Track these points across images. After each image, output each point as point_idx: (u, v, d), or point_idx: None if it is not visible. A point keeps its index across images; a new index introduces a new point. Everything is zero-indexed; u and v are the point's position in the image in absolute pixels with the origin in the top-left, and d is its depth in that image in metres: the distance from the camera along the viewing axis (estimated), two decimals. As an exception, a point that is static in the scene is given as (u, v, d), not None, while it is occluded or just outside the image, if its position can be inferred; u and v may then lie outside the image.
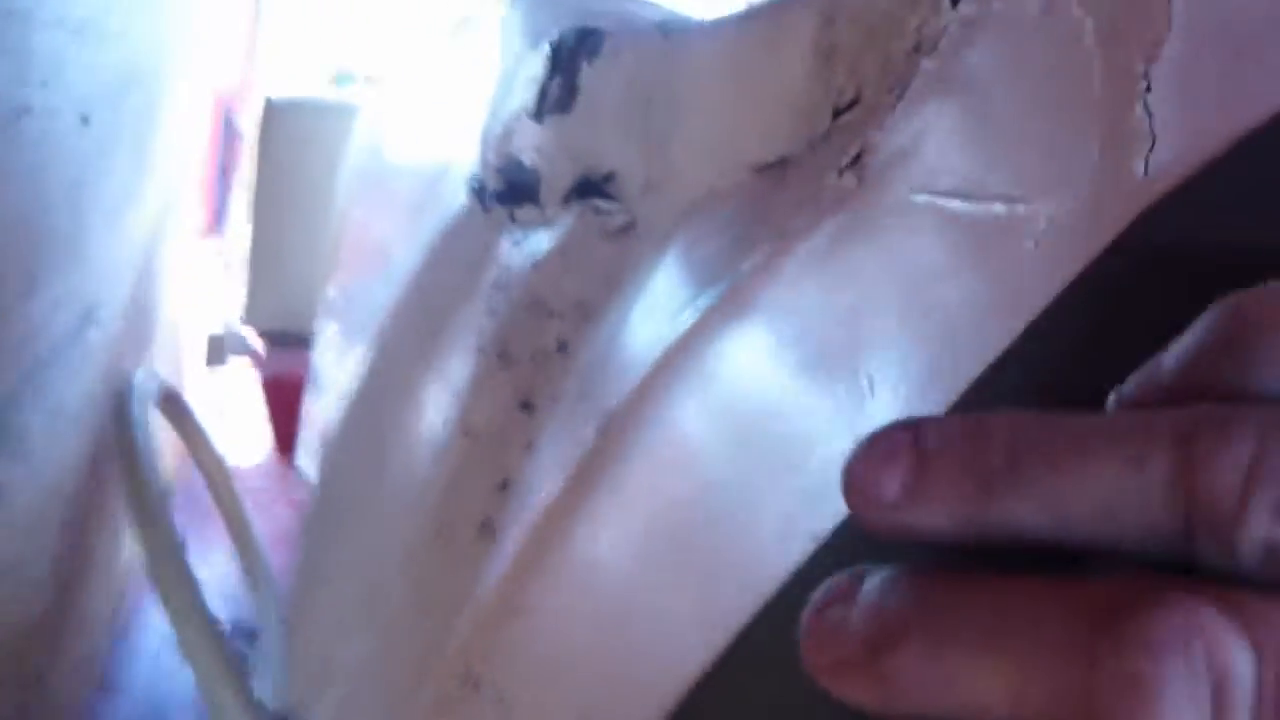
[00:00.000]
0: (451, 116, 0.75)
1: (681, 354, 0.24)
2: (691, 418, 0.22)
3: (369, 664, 0.47)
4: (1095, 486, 0.13)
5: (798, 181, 0.28)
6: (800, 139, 0.30)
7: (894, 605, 0.13)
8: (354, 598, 0.52)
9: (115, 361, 0.94)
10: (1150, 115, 0.16)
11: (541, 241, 0.44)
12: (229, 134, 1.70)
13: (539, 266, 0.43)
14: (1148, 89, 0.17)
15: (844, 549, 0.17)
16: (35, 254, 0.55)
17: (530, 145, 0.48)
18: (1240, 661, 0.11)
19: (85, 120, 0.54)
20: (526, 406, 0.39)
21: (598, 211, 0.41)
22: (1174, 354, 0.14)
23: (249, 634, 1.06)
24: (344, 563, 0.57)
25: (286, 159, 1.46)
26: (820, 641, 0.13)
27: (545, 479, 0.31)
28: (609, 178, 0.42)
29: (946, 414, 0.17)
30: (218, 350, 1.52)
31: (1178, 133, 0.16)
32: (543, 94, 0.46)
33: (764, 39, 0.32)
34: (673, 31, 0.38)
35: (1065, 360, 0.16)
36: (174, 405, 1.12)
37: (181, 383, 1.44)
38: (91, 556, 1.00)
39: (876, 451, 0.14)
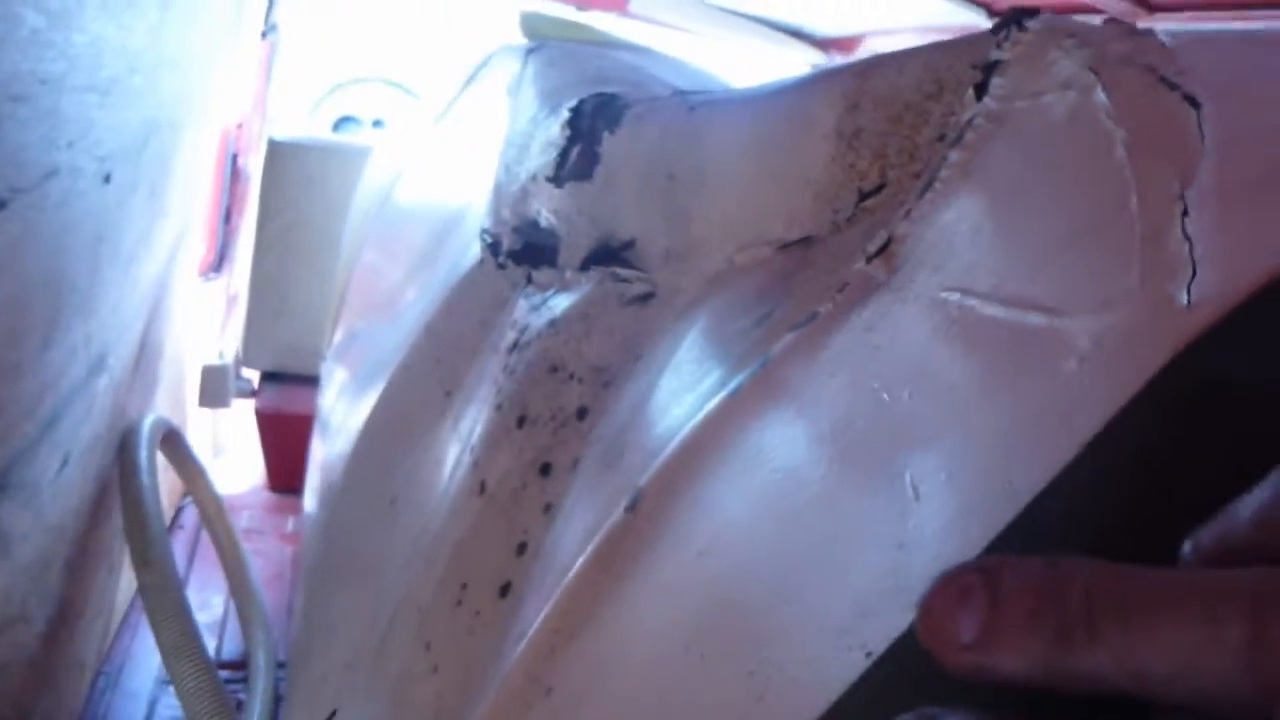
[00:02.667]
0: (463, 167, 0.76)
1: (714, 432, 0.24)
2: (727, 499, 0.23)
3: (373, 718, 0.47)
4: (1170, 645, 0.13)
5: (823, 264, 0.29)
6: (825, 220, 0.31)
7: None
8: (361, 648, 0.52)
9: (122, 405, 0.95)
10: (1190, 242, 0.17)
11: (560, 305, 0.45)
12: (234, 174, 1.72)
13: (558, 330, 0.44)
14: (1184, 213, 0.17)
15: (899, 666, 0.18)
16: (55, 309, 0.55)
17: (549, 209, 0.49)
18: None
19: (107, 178, 0.55)
20: (545, 469, 0.39)
21: (617, 278, 0.42)
22: (1249, 505, 0.15)
23: (242, 672, 1.06)
24: (348, 612, 0.57)
25: (288, 199, 1.47)
26: None
27: (569, 549, 0.31)
28: (629, 245, 0.42)
29: (1003, 535, 0.17)
30: (216, 389, 1.52)
31: (1218, 262, 0.17)
32: (562, 159, 0.47)
33: (789, 119, 0.33)
34: (697, 105, 0.39)
35: (1121, 485, 0.17)
36: (174, 445, 1.12)
37: (184, 420, 1.44)
38: (89, 595, 1.00)
39: (951, 591, 0.14)
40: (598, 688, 0.23)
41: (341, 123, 1.97)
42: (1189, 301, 0.17)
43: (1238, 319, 0.16)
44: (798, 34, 1.95)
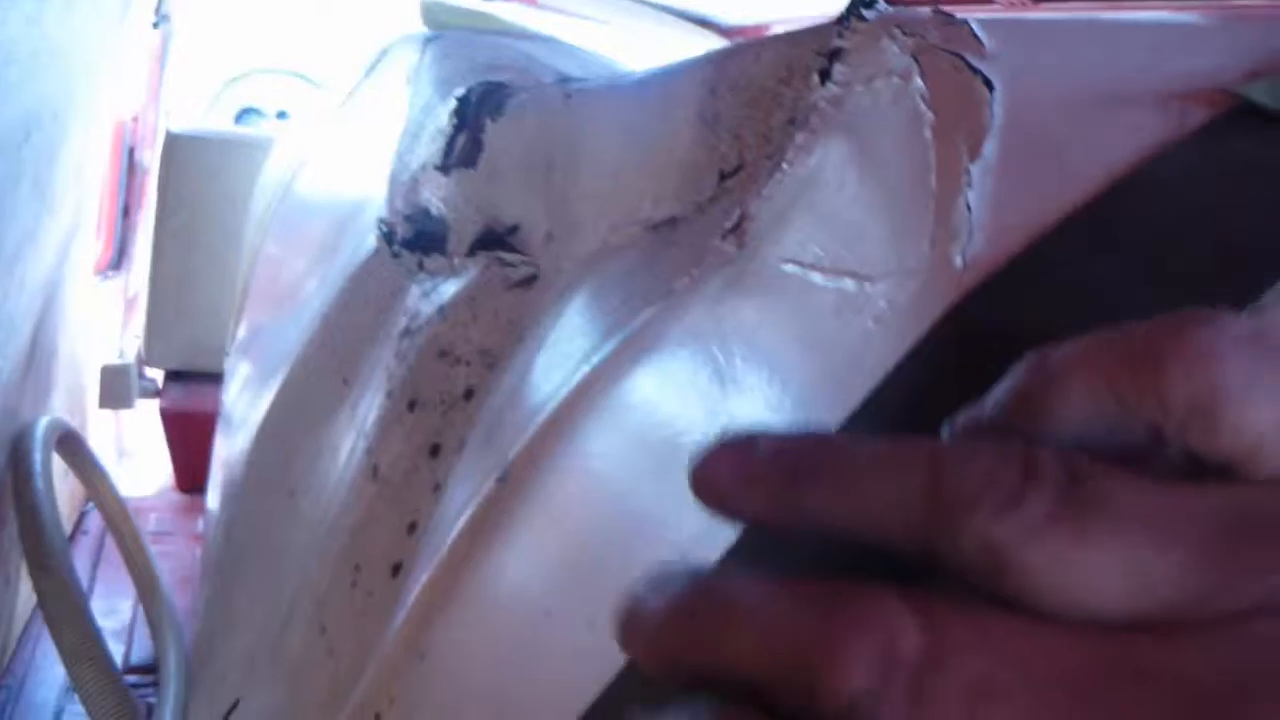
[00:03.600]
0: (363, 157, 0.76)
1: (577, 404, 0.26)
2: (588, 465, 0.24)
3: (276, 710, 0.47)
4: (874, 485, 0.16)
5: (686, 241, 0.30)
6: (689, 201, 0.32)
7: None
8: (261, 639, 0.52)
9: (13, 408, 0.92)
10: (970, 210, 0.19)
11: (449, 291, 0.46)
12: (131, 168, 1.67)
13: (446, 315, 0.45)
14: (969, 185, 0.19)
15: (749, 554, 0.20)
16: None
17: (437, 196, 0.50)
18: (910, 644, 0.14)
19: (-16, 169, 0.54)
20: (434, 451, 0.40)
21: (502, 263, 0.43)
22: (990, 399, 0.17)
23: (152, 675, 1.04)
24: (250, 605, 0.57)
25: (188, 192, 1.43)
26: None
27: (449, 524, 0.32)
28: (513, 230, 0.43)
29: None
30: (118, 389, 1.48)
31: (989, 227, 0.19)
32: (449, 148, 0.48)
33: (655, 105, 0.34)
34: (573, 93, 0.40)
35: (901, 424, 0.19)
36: (73, 447, 1.09)
37: (84, 423, 1.40)
38: (-16, 606, 0.97)
39: (719, 450, 0.17)
40: (465, 649, 0.24)
41: (244, 114, 1.93)
42: (963, 264, 0.19)
43: (1003, 276, 0.18)
44: (705, 23, 1.97)
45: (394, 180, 0.60)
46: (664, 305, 0.26)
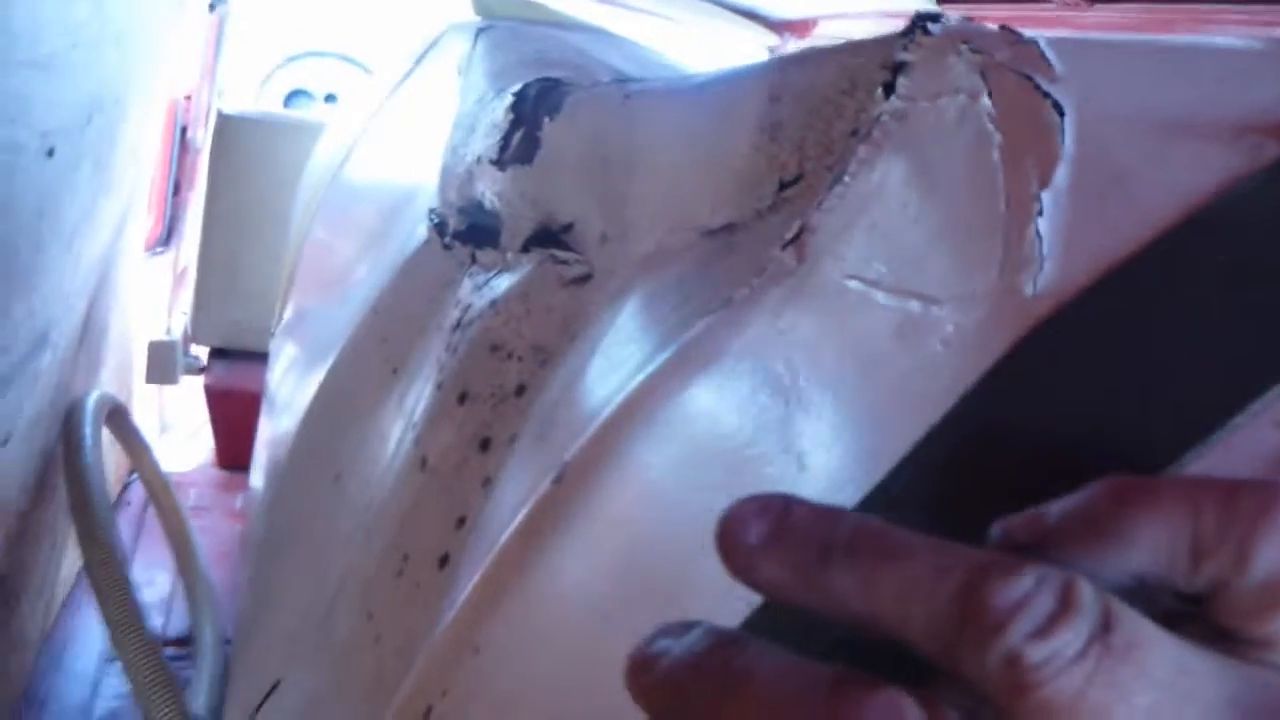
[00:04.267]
0: (413, 146, 0.76)
1: (635, 409, 0.26)
2: (645, 471, 0.24)
3: (320, 693, 0.48)
4: (902, 578, 0.16)
5: (744, 249, 0.31)
6: (747, 208, 0.32)
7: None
8: (305, 620, 0.53)
9: (66, 381, 0.94)
10: (1040, 239, 0.19)
11: (502, 285, 0.46)
12: (184, 147, 1.69)
13: (499, 310, 0.45)
14: (1039, 212, 0.19)
15: (770, 614, 0.20)
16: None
17: (492, 191, 0.50)
18: None
19: (50, 153, 0.55)
20: (484, 445, 0.40)
21: (556, 260, 0.43)
22: (1057, 509, 0.17)
23: (188, 648, 1.06)
24: (293, 585, 0.58)
25: (238, 173, 1.45)
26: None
27: (501, 520, 0.32)
28: (568, 228, 0.44)
29: (860, 504, 0.20)
30: (164, 365, 1.51)
31: (1060, 257, 0.19)
32: (505, 143, 0.48)
33: (716, 110, 0.35)
34: (632, 94, 0.40)
35: (960, 462, 0.19)
36: (120, 422, 1.12)
37: (130, 397, 1.43)
38: (32, 573, 0.99)
39: (751, 507, 0.17)
40: (520, 647, 0.25)
41: (293, 97, 1.95)
42: (1034, 292, 0.19)
43: (1075, 307, 0.18)
44: (753, 16, 1.96)
45: (447, 172, 0.61)
46: (723, 315, 0.27)
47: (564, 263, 0.43)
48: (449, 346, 0.48)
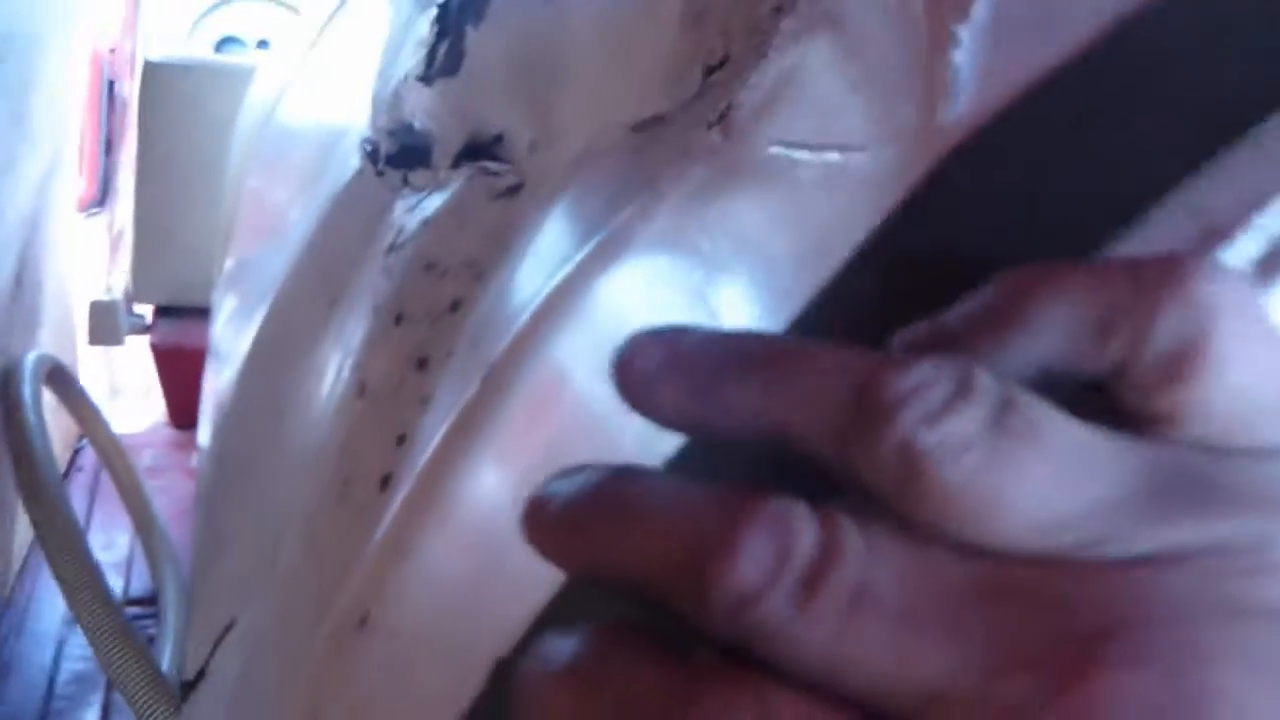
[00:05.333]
0: (345, 80, 0.74)
1: (558, 301, 0.25)
2: (570, 359, 0.24)
3: (269, 624, 0.47)
4: (803, 384, 0.16)
5: (671, 138, 0.30)
6: (674, 98, 0.31)
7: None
8: (253, 561, 0.52)
9: (1, 342, 0.91)
10: (956, 71, 0.18)
11: (434, 203, 0.45)
12: (112, 102, 1.64)
13: (431, 228, 0.44)
14: (954, 45, 0.18)
15: (688, 469, 0.19)
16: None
17: (420, 109, 0.49)
18: (804, 548, 0.14)
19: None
20: (422, 364, 0.39)
21: (487, 172, 0.42)
22: (956, 310, 0.17)
23: (152, 607, 1.05)
24: (242, 529, 0.57)
25: (168, 123, 1.40)
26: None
27: (434, 431, 0.32)
28: (497, 139, 0.42)
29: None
30: (107, 325, 1.47)
31: (976, 87, 0.18)
32: (430, 57, 0.47)
33: (638, 3, 0.33)
34: (553, -7, 0.39)
35: (877, 289, 0.19)
36: (63, 383, 1.09)
37: (75, 361, 1.39)
38: (-19, 540, 0.97)
39: (645, 337, 0.16)
40: (447, 547, 0.24)
41: (223, 44, 1.88)
42: (949, 123, 0.18)
43: (983, 136, 0.18)
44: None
45: (377, 98, 0.59)
46: (646, 200, 0.26)
47: (494, 174, 0.41)
48: (384, 270, 0.47)
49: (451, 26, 0.45)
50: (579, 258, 0.27)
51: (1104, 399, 0.16)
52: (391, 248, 0.47)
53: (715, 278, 0.21)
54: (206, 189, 1.41)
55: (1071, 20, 0.18)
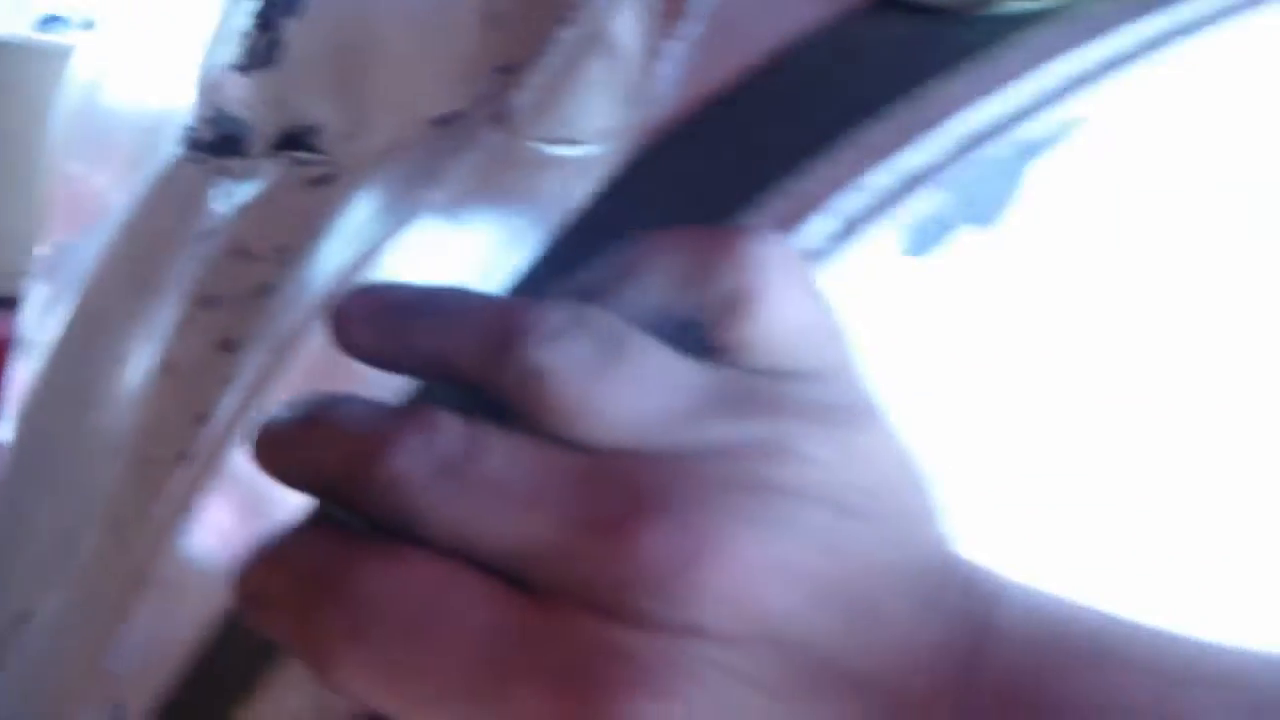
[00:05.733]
0: (168, 65, 0.73)
1: (346, 277, 0.27)
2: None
3: (69, 614, 0.46)
4: (464, 326, 0.20)
5: (463, 132, 0.32)
6: (470, 96, 0.33)
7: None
8: (54, 551, 0.51)
9: None
10: (659, 81, 0.22)
11: (248, 191, 0.46)
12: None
13: (244, 215, 0.45)
14: (661, 58, 0.22)
15: None
16: None
17: (239, 98, 0.49)
18: (448, 444, 0.18)
19: None
20: (227, 346, 0.40)
21: (300, 162, 0.43)
22: (596, 270, 0.21)
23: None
24: (42, 520, 0.55)
25: (-13, 106, 1.33)
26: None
27: (232, 410, 0.33)
28: (312, 130, 0.44)
29: None
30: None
31: (671, 94, 0.22)
32: (249, 48, 0.47)
33: (441, 2, 0.35)
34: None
35: (566, 257, 0.22)
36: None
37: None
38: None
39: (354, 293, 0.21)
40: (223, 502, 0.26)
41: (47, 22, 1.79)
42: (647, 123, 0.22)
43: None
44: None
45: (199, 86, 0.59)
46: (434, 187, 0.28)
47: (307, 164, 0.43)
48: (195, 257, 0.47)
49: (270, 18, 0.46)
50: (373, 237, 0.29)
51: (697, 335, 0.20)
52: (205, 233, 0.47)
53: (477, 245, 0.24)
54: (24, 175, 1.33)
55: (741, 45, 0.21)
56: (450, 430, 0.18)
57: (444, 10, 0.36)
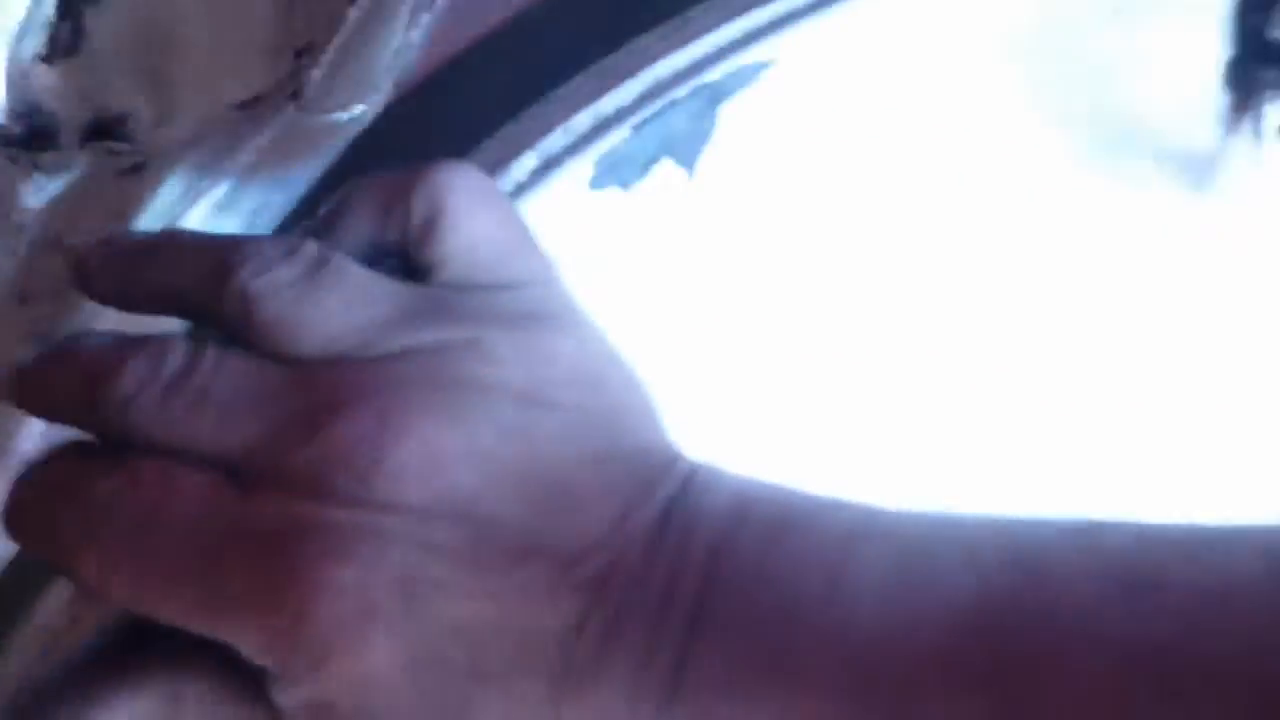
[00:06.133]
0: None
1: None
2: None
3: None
4: (192, 263, 0.22)
5: (263, 113, 0.33)
6: (270, 79, 0.34)
7: None
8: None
9: None
10: (414, 45, 0.24)
11: (60, 184, 0.45)
12: None
13: (57, 208, 0.44)
14: (412, 27, 0.24)
15: None
16: None
17: (46, 90, 0.48)
18: (171, 366, 0.21)
19: None
20: (40, 339, 0.40)
21: (111, 152, 0.43)
22: (324, 208, 0.23)
23: None
24: None
25: None
26: None
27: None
28: (122, 119, 0.43)
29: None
30: None
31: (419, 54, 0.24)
32: (52, 38, 0.47)
33: (242, -11, 0.36)
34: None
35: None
36: None
37: None
38: None
39: (96, 244, 0.22)
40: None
41: None
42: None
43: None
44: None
45: (8, 81, 0.57)
46: (223, 167, 0.29)
47: (118, 153, 0.42)
48: (9, 251, 0.46)
49: (71, 5, 0.46)
50: (176, 217, 0.30)
51: (404, 260, 0.23)
52: (17, 229, 0.46)
53: (266, 201, 0.25)
54: None
55: (475, 14, 0.24)
56: (174, 353, 0.20)
57: (242, -2, 0.36)
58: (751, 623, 0.20)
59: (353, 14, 0.29)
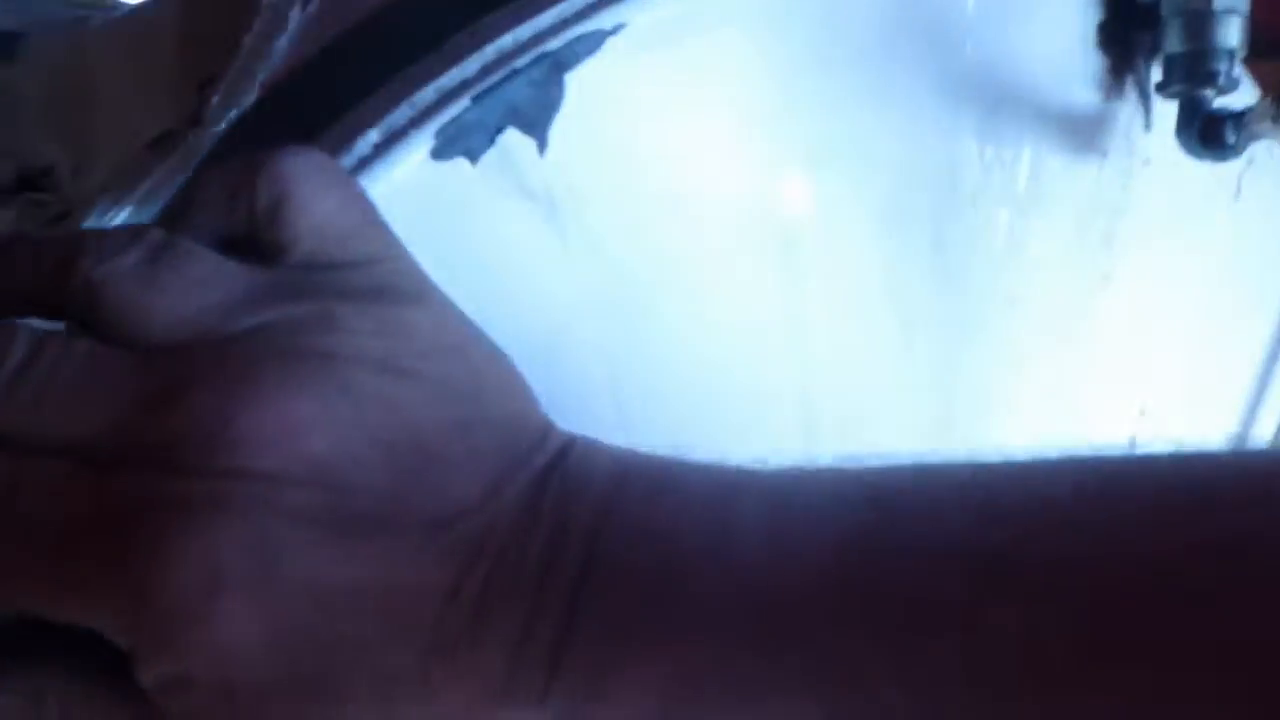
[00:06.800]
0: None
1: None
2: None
3: None
4: (41, 258, 0.22)
5: (174, 148, 0.34)
6: (179, 114, 0.35)
7: None
8: None
9: None
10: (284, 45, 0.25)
11: (-10, 238, 0.46)
12: None
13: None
14: (284, 30, 0.25)
15: None
16: None
17: (-28, 148, 0.49)
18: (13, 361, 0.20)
19: None
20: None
21: (36, 203, 0.44)
22: (183, 196, 0.24)
23: None
24: None
25: None
26: None
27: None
28: (46, 171, 0.44)
29: None
30: None
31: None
32: (-27, 98, 0.48)
33: (144, 32, 0.37)
34: (80, 32, 0.42)
35: None
36: None
37: None
38: None
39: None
40: None
41: None
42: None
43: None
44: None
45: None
46: (132, 198, 0.30)
47: (44, 204, 0.43)
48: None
49: (-11, 65, 0.47)
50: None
51: (254, 244, 0.23)
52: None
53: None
54: None
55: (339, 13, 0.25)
56: (20, 344, 0.20)
57: (147, 43, 0.37)
58: (638, 580, 0.20)
59: (248, 41, 0.30)
